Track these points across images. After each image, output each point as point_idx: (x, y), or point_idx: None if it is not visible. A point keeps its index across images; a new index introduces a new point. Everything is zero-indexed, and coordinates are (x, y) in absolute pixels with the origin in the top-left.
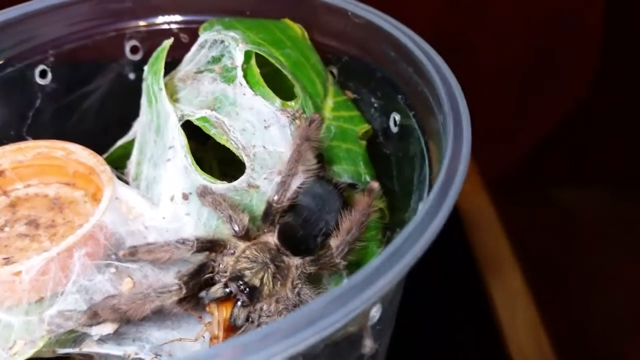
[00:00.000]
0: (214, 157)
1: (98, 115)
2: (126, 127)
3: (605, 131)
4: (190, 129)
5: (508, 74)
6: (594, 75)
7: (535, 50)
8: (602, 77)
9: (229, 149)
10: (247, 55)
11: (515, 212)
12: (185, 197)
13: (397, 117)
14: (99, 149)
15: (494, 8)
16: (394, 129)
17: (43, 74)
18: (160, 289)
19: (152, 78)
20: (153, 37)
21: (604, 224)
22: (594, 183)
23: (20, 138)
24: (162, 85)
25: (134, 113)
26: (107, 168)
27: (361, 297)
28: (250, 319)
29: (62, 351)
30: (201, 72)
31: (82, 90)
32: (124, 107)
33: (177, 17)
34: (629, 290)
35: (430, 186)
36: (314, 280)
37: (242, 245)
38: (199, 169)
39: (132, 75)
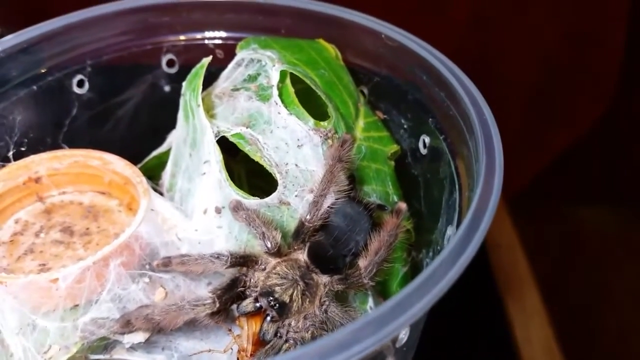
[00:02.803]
0: (243, 168)
1: (132, 125)
2: (159, 137)
3: (625, 150)
4: (221, 140)
5: (527, 92)
6: (611, 96)
7: (554, 70)
8: (619, 99)
9: (257, 161)
10: (283, 74)
11: (533, 230)
12: (218, 210)
13: (427, 140)
14: (132, 158)
15: (515, 28)
16: (424, 151)
17: (80, 84)
18: (194, 302)
19: (191, 94)
20: (189, 52)
21: (621, 243)
22: (611, 203)
23: (56, 146)
24: (200, 102)
25: (168, 124)
26: (143, 179)
27: (392, 325)
28: (279, 334)
29: (93, 357)
30: (237, 89)
31: (117, 100)
32: (158, 118)
33: (214, 34)
34: None
35: (460, 211)
36: (340, 298)
37: (272, 261)
38: (232, 184)
39: (167, 88)
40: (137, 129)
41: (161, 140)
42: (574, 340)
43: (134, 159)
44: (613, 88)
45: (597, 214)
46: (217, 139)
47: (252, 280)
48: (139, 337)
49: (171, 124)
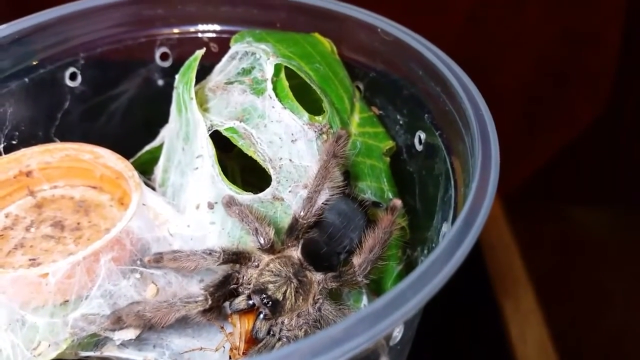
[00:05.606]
0: (237, 164)
1: (125, 119)
2: (152, 131)
3: (620, 150)
4: (215, 137)
5: (523, 92)
6: (607, 96)
7: (551, 70)
8: (615, 99)
9: (252, 157)
10: (277, 68)
11: (528, 230)
12: (211, 206)
13: (423, 136)
14: (124, 152)
15: (511, 28)
16: (419, 147)
17: (73, 76)
18: (186, 299)
19: (183, 87)
20: (183, 45)
21: (616, 244)
22: (606, 203)
23: (48, 139)
24: (193, 95)
25: (161, 118)
26: (135, 174)
27: (385, 322)
28: (272, 332)
29: (83, 354)
30: (231, 83)
31: (110, 93)
32: (151, 112)
33: (208, 27)
34: (639, 310)
35: (456, 208)
36: (334, 296)
37: (266, 258)
38: (225, 179)
39: (160, 81)
40: (130, 123)
41: (154, 134)
42: (569, 340)
43: (127, 153)
44: (609, 88)
45: (592, 214)
46: (210, 133)
47: (244, 277)
48: (130, 334)
49: (164, 119)
